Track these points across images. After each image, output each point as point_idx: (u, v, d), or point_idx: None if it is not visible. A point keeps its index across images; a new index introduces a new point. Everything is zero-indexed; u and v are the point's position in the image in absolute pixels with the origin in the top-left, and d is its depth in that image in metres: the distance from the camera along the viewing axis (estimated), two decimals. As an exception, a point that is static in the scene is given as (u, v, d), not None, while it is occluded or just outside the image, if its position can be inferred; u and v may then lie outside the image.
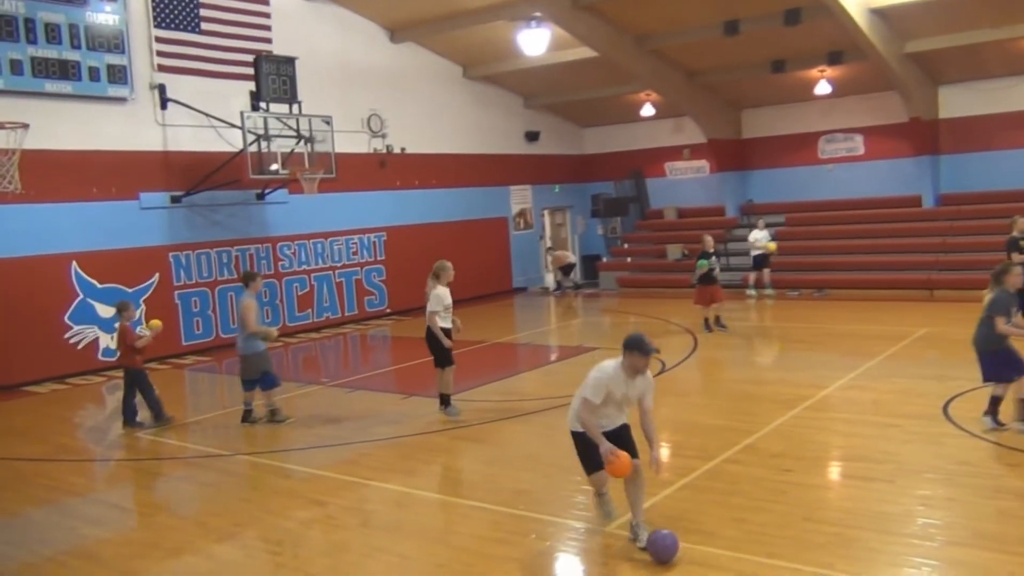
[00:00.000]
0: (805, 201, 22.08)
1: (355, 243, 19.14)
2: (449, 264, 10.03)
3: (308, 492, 7.75)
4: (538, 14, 17.41)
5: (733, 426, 8.90)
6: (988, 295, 8.27)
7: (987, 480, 6.95)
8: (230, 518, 7.24)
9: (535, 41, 18.03)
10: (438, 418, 9.90)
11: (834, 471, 7.80)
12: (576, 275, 23.56)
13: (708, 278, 14.65)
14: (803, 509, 6.53)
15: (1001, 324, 8.02)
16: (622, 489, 6.08)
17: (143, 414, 10.61)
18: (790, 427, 8.80)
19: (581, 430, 6.00)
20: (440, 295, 9.85)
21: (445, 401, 10.03)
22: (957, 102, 20.07)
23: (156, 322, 10.98)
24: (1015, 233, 12.96)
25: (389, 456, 8.79)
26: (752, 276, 18.97)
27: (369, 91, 19.32)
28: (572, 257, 23.87)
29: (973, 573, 5.42)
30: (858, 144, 21.72)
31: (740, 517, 6.42)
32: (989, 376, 8.31)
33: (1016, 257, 12.58)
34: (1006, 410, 8.18)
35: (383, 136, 19.74)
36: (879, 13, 16.82)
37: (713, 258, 14.72)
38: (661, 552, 5.72)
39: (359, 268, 19.14)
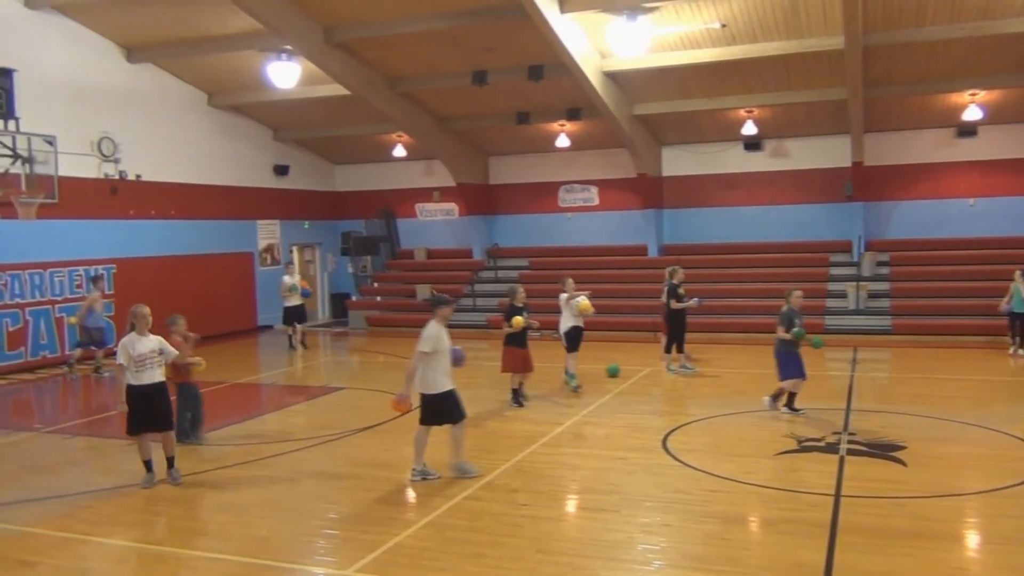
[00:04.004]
0: (546, 247, 23.37)
1: (79, 275, 17.56)
2: (146, 309, 8.61)
3: (14, 552, 6.95)
4: (289, 47, 17.14)
5: (475, 463, 9.14)
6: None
7: (697, 506, 7.68)
8: (-88, 588, 6.34)
9: (285, 74, 17.72)
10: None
11: (566, 503, 8.25)
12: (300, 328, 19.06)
13: (520, 339, 11.88)
14: (537, 542, 6.86)
15: (780, 332, 10.80)
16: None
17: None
18: (528, 463, 9.21)
19: (430, 392, 8.35)
20: (125, 344, 8.46)
21: (149, 467, 8.71)
22: (677, 162, 22.33)
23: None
24: (674, 281, 14.42)
25: (112, 508, 8.11)
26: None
27: (101, 112, 17.96)
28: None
29: (683, 592, 5.97)
30: (593, 195, 23.40)
31: (478, 552, 6.62)
32: (785, 375, 10.84)
33: (675, 304, 14.08)
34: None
35: (116, 161, 18.37)
36: (612, 76, 18.36)
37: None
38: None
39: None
